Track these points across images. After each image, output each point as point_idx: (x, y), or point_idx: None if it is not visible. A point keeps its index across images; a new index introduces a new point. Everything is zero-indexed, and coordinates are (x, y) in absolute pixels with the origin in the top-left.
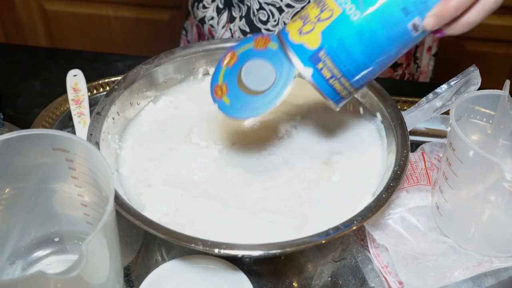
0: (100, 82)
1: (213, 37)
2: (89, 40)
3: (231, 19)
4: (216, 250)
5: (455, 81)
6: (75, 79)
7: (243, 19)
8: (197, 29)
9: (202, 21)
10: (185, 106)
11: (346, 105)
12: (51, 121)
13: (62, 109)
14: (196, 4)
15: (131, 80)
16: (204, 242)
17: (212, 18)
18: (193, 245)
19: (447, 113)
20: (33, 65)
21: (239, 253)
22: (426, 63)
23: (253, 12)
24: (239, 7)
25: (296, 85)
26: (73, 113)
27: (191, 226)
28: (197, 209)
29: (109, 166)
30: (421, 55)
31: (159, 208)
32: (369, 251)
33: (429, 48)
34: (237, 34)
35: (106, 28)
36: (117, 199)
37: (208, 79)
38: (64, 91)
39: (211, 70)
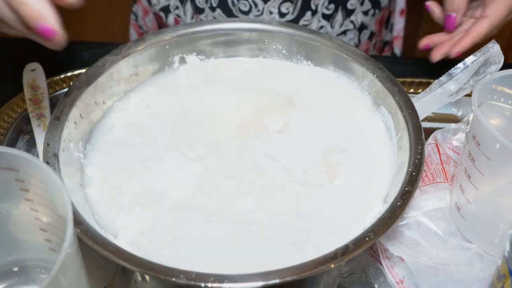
0: (62, 76)
1: None
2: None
3: (199, 10)
4: (203, 284)
5: (472, 60)
6: (33, 75)
7: (218, 10)
8: (156, 19)
9: (166, 10)
10: (160, 102)
11: (344, 93)
12: (6, 126)
13: (19, 110)
14: None
15: (95, 75)
16: (188, 275)
17: (177, 7)
18: (174, 278)
19: None
20: None
21: (231, 286)
22: (401, 27)
23: (232, 2)
24: None
25: (285, 70)
26: (31, 115)
27: (171, 247)
28: (177, 225)
29: (65, 190)
30: (393, 19)
31: (133, 228)
32: (380, 263)
33: (402, 11)
34: None
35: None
36: (81, 224)
37: (185, 68)
38: (21, 88)
39: (189, 58)
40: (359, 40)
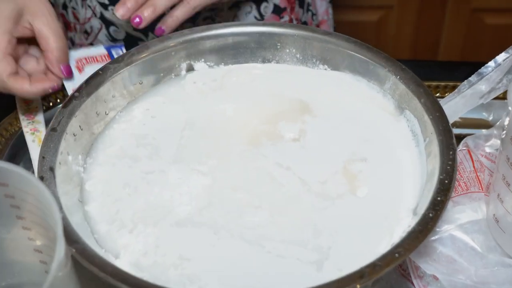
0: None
1: (78, 20)
2: None
3: None
4: None
5: (504, 58)
6: None
7: None
8: (62, 19)
9: (65, 6)
10: (166, 112)
11: (364, 97)
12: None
13: (14, 129)
14: None
15: (96, 84)
16: None
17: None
18: None
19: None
20: None
21: None
22: (324, 10)
23: None
24: None
25: (300, 75)
26: (24, 130)
27: (178, 268)
28: (184, 243)
29: (55, 204)
30: (313, 1)
31: (136, 248)
32: (412, 282)
33: None
34: (98, 9)
35: None
36: (76, 243)
37: (192, 76)
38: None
39: (196, 65)
40: (261, 15)
